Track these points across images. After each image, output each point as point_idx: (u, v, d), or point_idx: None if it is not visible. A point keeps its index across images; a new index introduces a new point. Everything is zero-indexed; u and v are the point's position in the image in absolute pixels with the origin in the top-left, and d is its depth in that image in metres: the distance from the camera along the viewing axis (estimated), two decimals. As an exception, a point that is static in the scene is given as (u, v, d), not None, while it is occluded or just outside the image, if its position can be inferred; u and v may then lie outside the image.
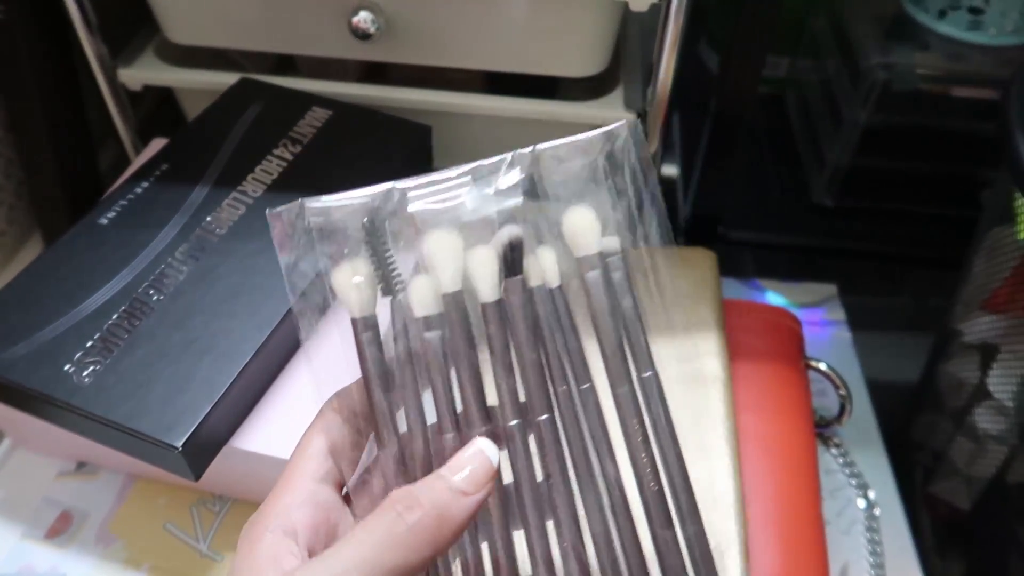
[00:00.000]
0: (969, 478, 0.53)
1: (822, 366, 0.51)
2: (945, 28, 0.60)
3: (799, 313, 0.61)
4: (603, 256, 0.27)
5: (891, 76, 0.60)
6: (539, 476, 0.27)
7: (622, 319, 0.27)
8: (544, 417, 0.27)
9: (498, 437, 0.26)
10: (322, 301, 0.27)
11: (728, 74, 0.55)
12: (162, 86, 0.56)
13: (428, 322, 0.26)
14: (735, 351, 0.49)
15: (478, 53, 0.53)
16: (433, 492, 0.24)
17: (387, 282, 0.27)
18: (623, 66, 0.58)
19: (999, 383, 0.49)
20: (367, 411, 0.27)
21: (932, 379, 0.57)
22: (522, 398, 0.27)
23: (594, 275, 0.27)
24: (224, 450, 0.37)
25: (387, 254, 0.27)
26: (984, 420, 0.51)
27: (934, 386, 0.57)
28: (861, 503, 0.49)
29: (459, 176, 0.27)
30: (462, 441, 0.26)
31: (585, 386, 0.27)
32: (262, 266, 0.41)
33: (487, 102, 0.55)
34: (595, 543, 0.27)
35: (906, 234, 0.66)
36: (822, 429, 0.52)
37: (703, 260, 0.52)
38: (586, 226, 0.27)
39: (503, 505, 0.27)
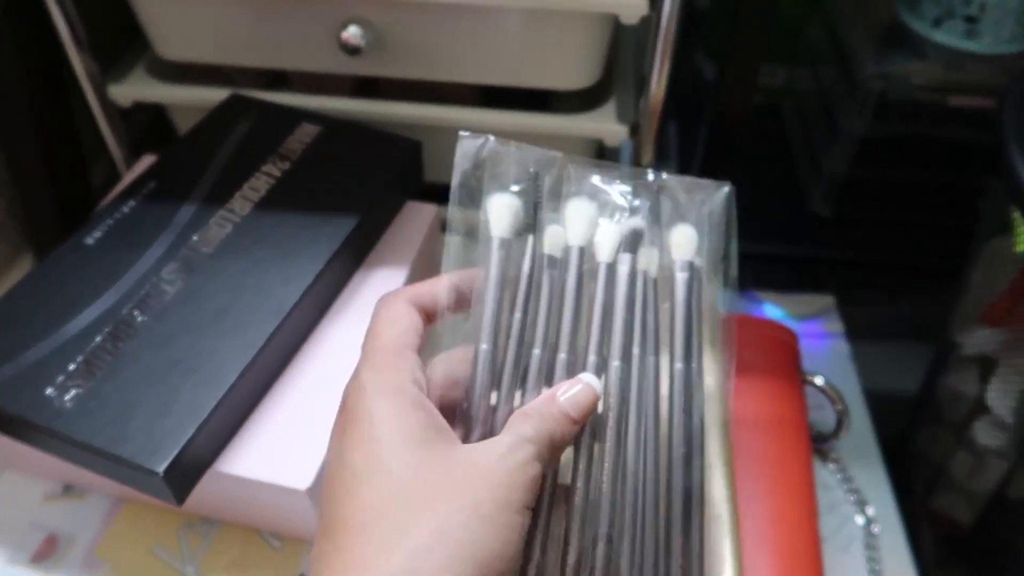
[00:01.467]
0: (970, 492, 0.53)
1: (819, 381, 0.50)
2: (941, 37, 0.60)
3: (796, 325, 0.60)
4: (692, 265, 0.34)
5: (887, 86, 0.59)
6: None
7: (692, 317, 0.34)
8: (617, 364, 0.32)
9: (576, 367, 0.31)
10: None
11: (724, 83, 0.54)
12: (153, 103, 0.56)
13: (552, 261, 0.32)
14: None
15: (469, 66, 0.53)
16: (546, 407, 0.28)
17: (531, 222, 0.32)
18: (616, 78, 0.57)
19: (998, 397, 0.48)
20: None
21: (932, 391, 0.57)
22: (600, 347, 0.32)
23: (683, 276, 0.34)
24: (209, 473, 0.37)
25: (538, 201, 0.33)
26: (984, 434, 0.50)
27: (934, 398, 0.57)
28: (859, 519, 0.49)
29: (611, 169, 0.34)
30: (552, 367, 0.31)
31: (651, 358, 0.33)
32: (250, 285, 0.40)
33: (480, 116, 0.55)
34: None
35: (905, 244, 0.66)
36: (820, 444, 0.51)
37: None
38: (686, 240, 0.34)
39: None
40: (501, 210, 0.32)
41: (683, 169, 0.70)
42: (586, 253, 0.33)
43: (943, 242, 0.63)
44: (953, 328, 0.53)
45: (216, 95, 0.54)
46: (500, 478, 0.26)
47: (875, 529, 0.48)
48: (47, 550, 0.41)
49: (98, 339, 0.38)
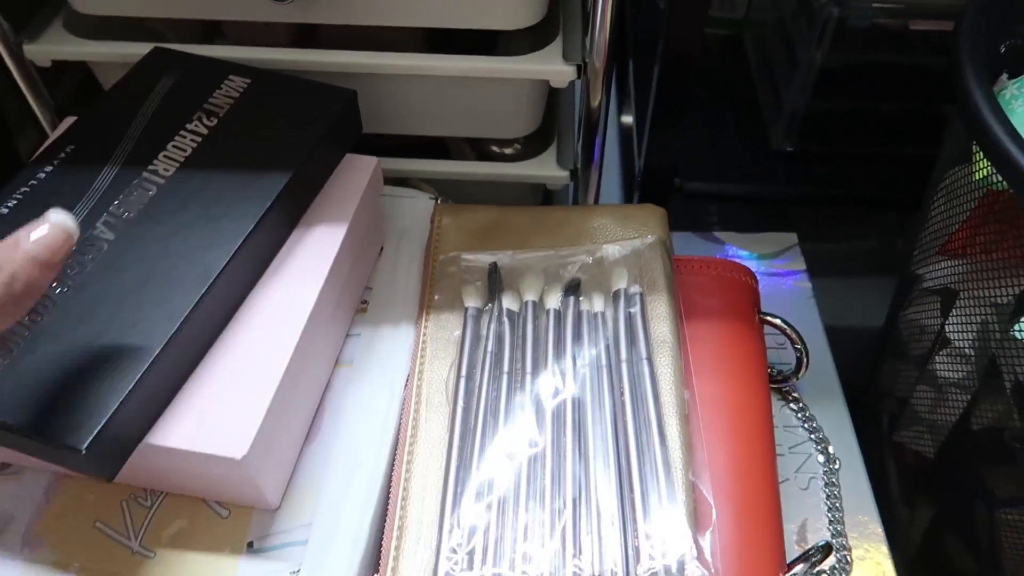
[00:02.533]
0: (933, 425, 0.52)
1: (777, 320, 0.49)
2: (900, -42, 0.57)
3: (760, 265, 0.59)
4: (626, 291, 0.46)
5: (845, 12, 0.57)
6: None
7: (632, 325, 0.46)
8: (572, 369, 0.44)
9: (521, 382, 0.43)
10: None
11: (675, 11, 0.52)
12: (75, 61, 0.53)
13: (510, 314, 0.46)
14: (686, 311, 0.47)
15: (405, 9, 0.50)
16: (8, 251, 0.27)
17: (494, 295, 0.47)
18: (563, 16, 0.55)
19: (958, 329, 0.47)
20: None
21: (893, 326, 0.56)
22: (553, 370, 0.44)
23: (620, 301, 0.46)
24: (141, 447, 0.36)
25: (498, 282, 0.48)
26: (945, 367, 0.49)
27: (896, 333, 0.56)
28: (820, 458, 0.48)
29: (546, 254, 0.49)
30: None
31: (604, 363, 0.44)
32: (174, 251, 0.39)
33: (422, 61, 0.52)
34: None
35: (868, 177, 0.64)
36: (780, 384, 0.51)
37: (651, 217, 0.50)
38: (619, 277, 0.47)
39: None
40: (471, 293, 0.47)
41: (640, 110, 0.67)
42: (538, 305, 0.46)
43: (905, 174, 0.62)
44: (914, 261, 0.52)
45: (141, 51, 0.51)
46: None
47: (836, 467, 0.48)
48: (-15, 531, 0.40)
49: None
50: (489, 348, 0.44)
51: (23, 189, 0.41)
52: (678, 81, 0.55)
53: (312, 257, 0.42)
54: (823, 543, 0.42)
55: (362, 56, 0.52)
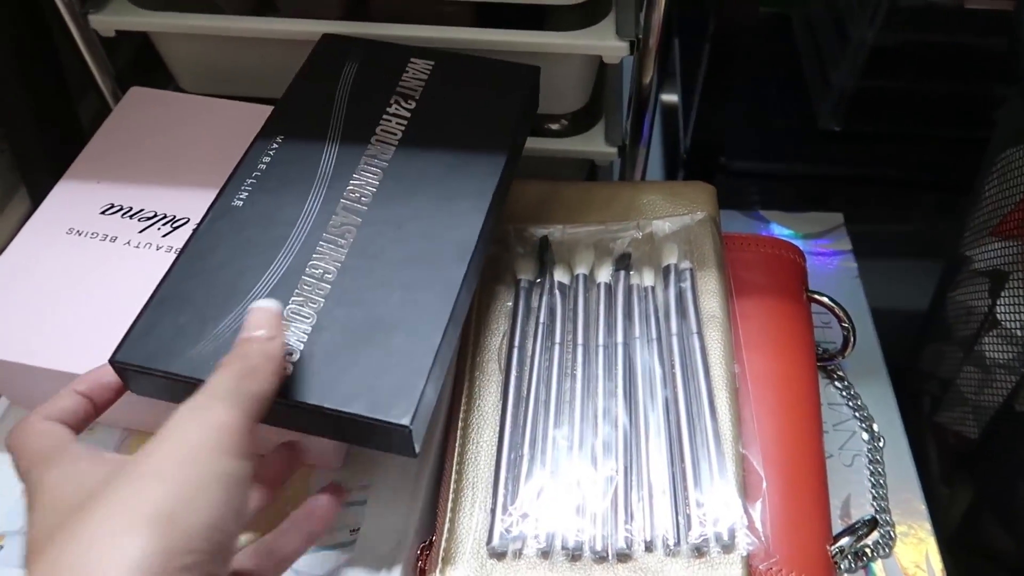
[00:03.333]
0: (977, 406, 0.53)
1: (824, 299, 0.49)
2: (958, -65, 0.56)
3: (805, 244, 0.59)
4: (676, 267, 0.47)
5: (900, -10, 0.57)
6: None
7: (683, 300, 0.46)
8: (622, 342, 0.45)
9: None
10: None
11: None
12: (137, 31, 0.54)
13: (561, 286, 0.47)
14: (736, 288, 0.48)
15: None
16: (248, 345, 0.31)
17: (545, 268, 0.48)
18: (615, -10, 0.55)
19: (1009, 311, 0.48)
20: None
21: (940, 307, 0.56)
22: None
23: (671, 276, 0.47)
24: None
25: (549, 255, 0.49)
26: (993, 348, 0.50)
27: (942, 314, 0.56)
28: (865, 436, 0.49)
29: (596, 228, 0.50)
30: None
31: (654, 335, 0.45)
32: (421, 232, 0.39)
33: (474, 35, 0.53)
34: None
35: (916, 158, 0.64)
36: (826, 362, 0.51)
37: (701, 194, 0.51)
38: (669, 252, 0.48)
39: None
40: (522, 265, 0.48)
41: (687, 88, 0.67)
42: (589, 278, 0.47)
43: (957, 155, 0.62)
44: (964, 242, 0.52)
45: (201, 23, 0.52)
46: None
47: (880, 444, 0.48)
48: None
49: (292, 301, 0.36)
50: (541, 319, 0.45)
51: (249, 181, 0.41)
52: (729, 60, 0.55)
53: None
54: (869, 517, 0.42)
55: (417, 30, 0.53)
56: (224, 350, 0.31)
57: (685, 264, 0.47)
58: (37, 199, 0.41)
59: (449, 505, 0.39)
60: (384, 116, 0.44)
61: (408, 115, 0.45)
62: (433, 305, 0.37)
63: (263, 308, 0.32)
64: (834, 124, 0.64)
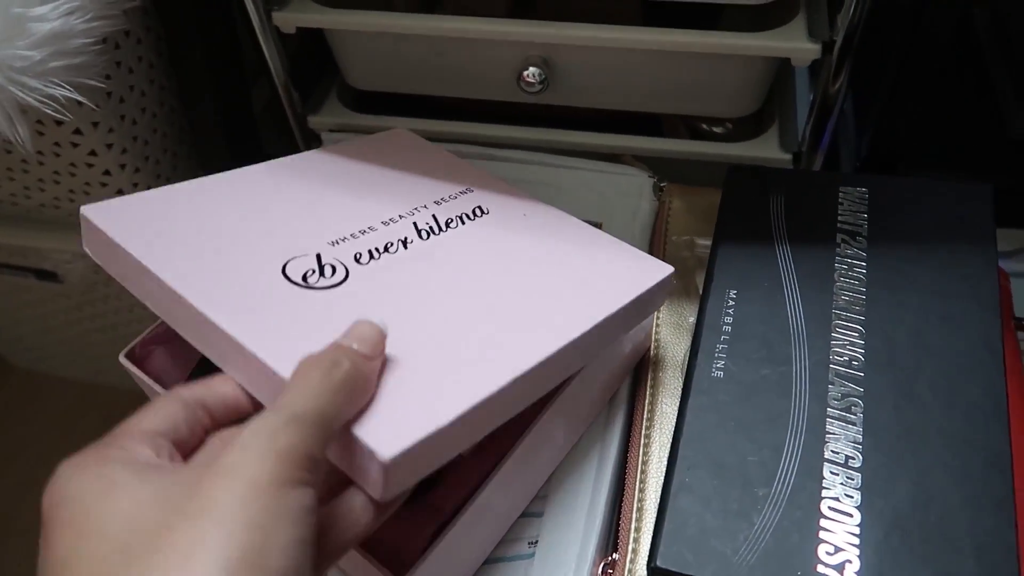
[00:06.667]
0: None
1: (1033, 328, 0.45)
2: None
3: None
4: None
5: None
6: None
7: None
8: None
9: None
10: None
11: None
12: (315, 28, 0.55)
13: None
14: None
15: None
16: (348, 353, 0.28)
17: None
18: (803, -10, 0.52)
19: None
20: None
21: None
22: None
23: None
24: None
25: None
26: None
27: None
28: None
29: None
30: None
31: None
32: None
33: (646, 35, 0.51)
34: None
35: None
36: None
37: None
38: None
39: None
40: None
41: (861, 92, 0.64)
42: None
43: None
44: None
45: (377, 20, 0.52)
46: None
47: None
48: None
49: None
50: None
51: (720, 345, 0.39)
52: (923, 65, 0.51)
53: None
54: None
55: (588, 28, 0.51)
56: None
57: None
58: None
59: (633, 524, 0.38)
60: (837, 258, 0.41)
61: (864, 255, 0.42)
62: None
63: (370, 323, 0.30)
64: (1027, 133, 0.59)
